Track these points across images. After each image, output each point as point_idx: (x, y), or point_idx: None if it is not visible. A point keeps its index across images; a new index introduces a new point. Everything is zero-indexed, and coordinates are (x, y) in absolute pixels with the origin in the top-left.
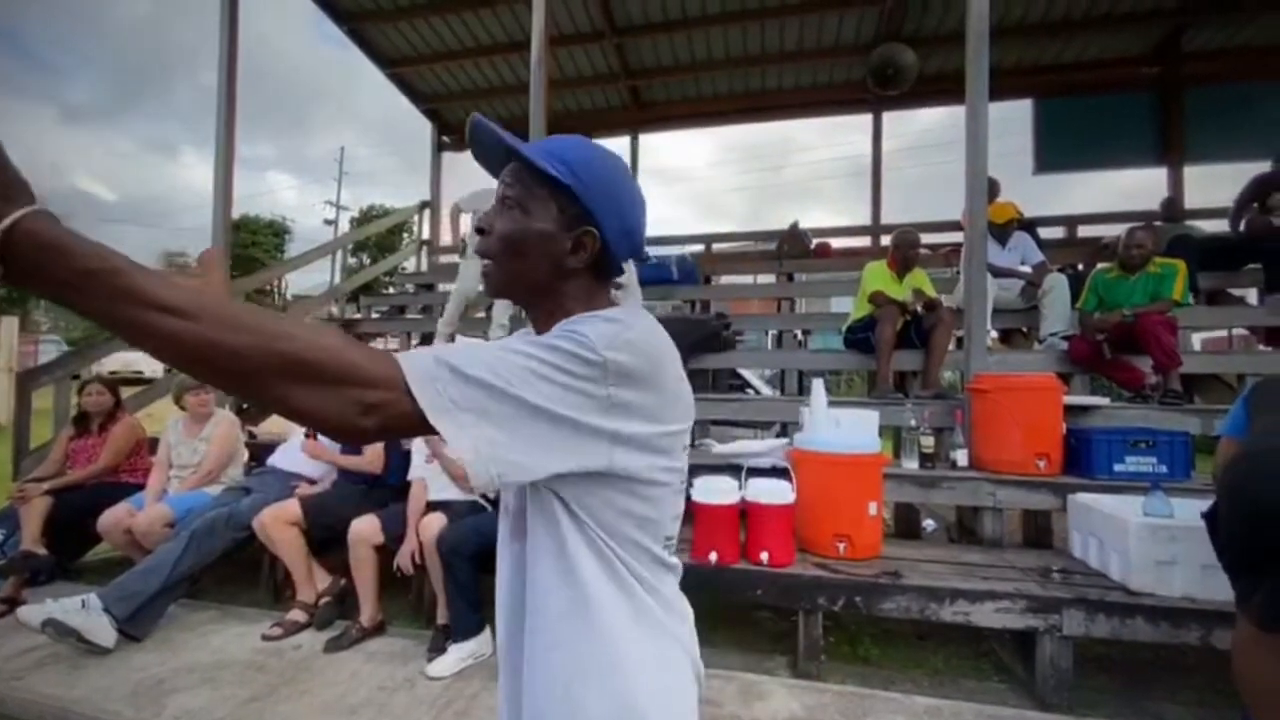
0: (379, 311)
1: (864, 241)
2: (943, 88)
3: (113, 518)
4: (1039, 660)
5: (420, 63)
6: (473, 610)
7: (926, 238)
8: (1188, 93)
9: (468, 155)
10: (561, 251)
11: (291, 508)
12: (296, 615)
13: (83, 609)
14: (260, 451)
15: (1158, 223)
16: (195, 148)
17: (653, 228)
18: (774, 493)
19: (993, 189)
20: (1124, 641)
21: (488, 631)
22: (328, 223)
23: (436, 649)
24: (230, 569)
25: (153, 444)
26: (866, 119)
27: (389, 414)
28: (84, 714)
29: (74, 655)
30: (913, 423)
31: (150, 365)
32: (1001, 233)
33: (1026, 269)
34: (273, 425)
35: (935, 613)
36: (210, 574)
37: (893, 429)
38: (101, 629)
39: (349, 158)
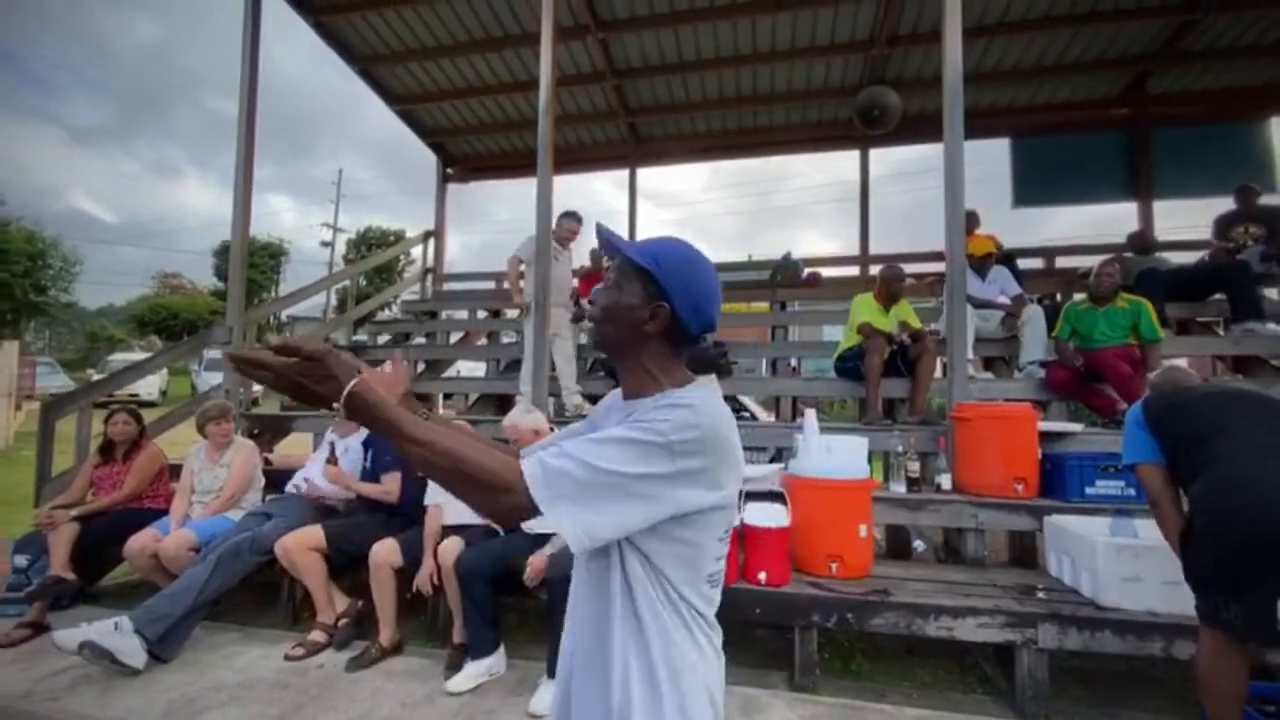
0: (384, 338)
1: (853, 271)
2: (926, 127)
3: (139, 543)
4: (1018, 672)
5: (428, 100)
6: (489, 629)
7: (911, 267)
8: (1155, 132)
9: (471, 187)
10: (641, 319)
11: (314, 533)
12: (317, 636)
13: (115, 631)
14: (277, 477)
15: (1128, 254)
16: (199, 171)
17: None
18: (770, 516)
19: (972, 221)
20: (1099, 654)
21: (503, 649)
22: (324, 244)
23: (454, 667)
24: (247, 592)
25: (174, 470)
26: (854, 151)
27: (518, 508)
28: None
29: (105, 676)
30: (900, 448)
31: (146, 388)
32: (981, 265)
33: (1005, 300)
34: (285, 452)
35: (921, 628)
36: (229, 597)
37: (882, 453)
38: (133, 650)
39: (349, 180)
